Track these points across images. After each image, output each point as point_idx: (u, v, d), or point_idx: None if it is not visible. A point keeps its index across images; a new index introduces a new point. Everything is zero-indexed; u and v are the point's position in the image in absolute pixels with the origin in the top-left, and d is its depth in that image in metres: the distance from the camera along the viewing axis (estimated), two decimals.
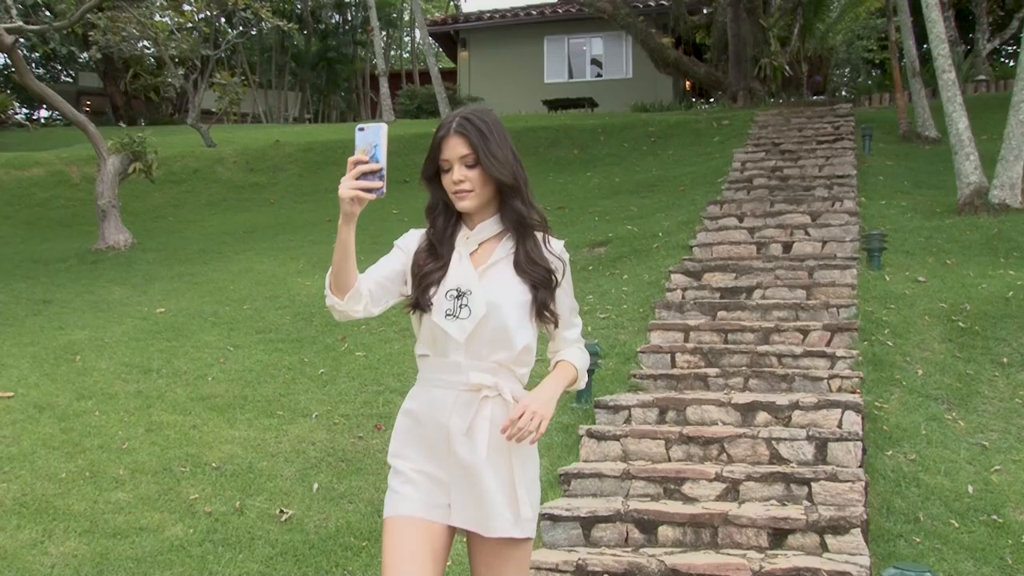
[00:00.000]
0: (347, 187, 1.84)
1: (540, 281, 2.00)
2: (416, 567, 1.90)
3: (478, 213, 2.03)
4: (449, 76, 22.31)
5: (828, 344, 5.59)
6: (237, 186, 14.68)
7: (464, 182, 1.96)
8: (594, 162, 13.24)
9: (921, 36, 12.73)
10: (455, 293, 1.97)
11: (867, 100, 16.27)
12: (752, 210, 8.52)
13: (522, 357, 2.01)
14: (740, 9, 15.90)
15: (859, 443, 4.27)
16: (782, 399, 4.69)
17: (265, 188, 14.48)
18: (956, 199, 8.55)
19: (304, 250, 9.46)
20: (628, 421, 4.82)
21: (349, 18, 31.02)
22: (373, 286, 2.00)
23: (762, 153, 11.27)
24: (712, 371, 5.27)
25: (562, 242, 2.09)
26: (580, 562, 3.62)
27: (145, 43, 16.09)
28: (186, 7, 16.17)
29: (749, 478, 4.11)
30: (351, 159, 1.85)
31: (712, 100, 18.09)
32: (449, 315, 1.97)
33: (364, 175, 1.84)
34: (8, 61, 20.29)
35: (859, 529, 3.68)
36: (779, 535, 3.76)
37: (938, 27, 9.08)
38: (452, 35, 22.09)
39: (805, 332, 5.68)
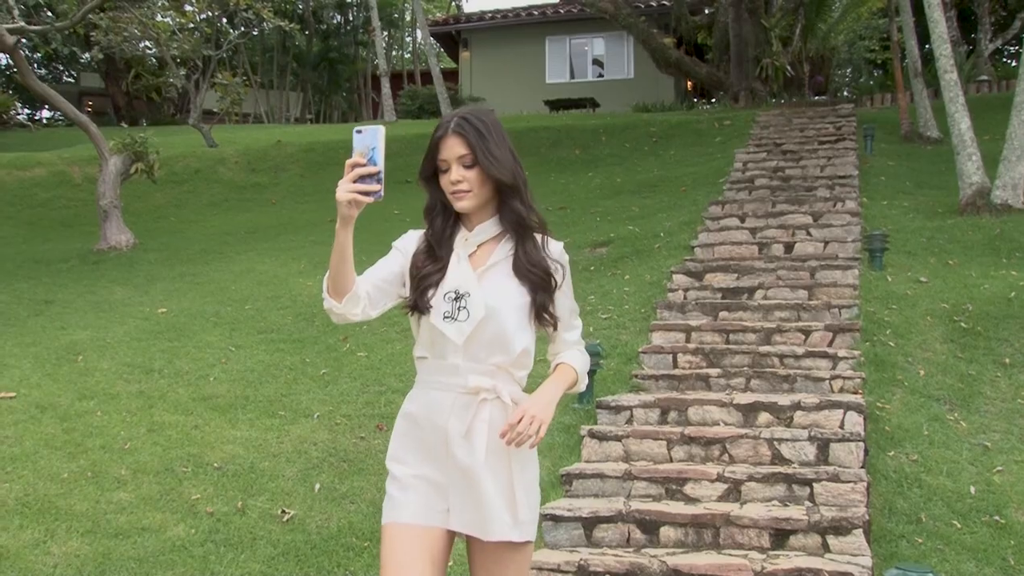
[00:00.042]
0: (344, 190, 1.82)
1: (539, 283, 1.99)
2: (415, 574, 1.89)
3: (477, 214, 2.01)
4: (451, 76, 22.31)
5: (830, 345, 5.59)
6: (239, 186, 14.69)
7: (462, 182, 1.95)
8: (596, 162, 13.24)
9: (923, 36, 12.72)
10: (453, 295, 1.96)
11: (869, 100, 16.26)
12: (754, 210, 8.52)
13: (520, 360, 2.00)
14: (742, 9, 15.89)
15: (861, 444, 4.27)
16: (784, 400, 4.69)
17: (267, 188, 14.49)
18: (958, 199, 8.54)
19: (306, 250, 9.47)
20: (630, 421, 4.82)
21: (351, 18, 31.04)
22: (371, 288, 1.99)
23: (764, 153, 11.26)
24: (714, 371, 5.27)
25: (561, 244, 2.08)
26: (582, 562, 3.62)
27: (147, 43, 16.10)
28: (188, 7, 16.19)
29: (751, 479, 4.10)
30: (349, 162, 1.84)
31: (714, 100, 18.08)
32: (447, 317, 1.95)
33: (362, 178, 1.83)
34: (10, 61, 20.31)
35: (861, 530, 3.68)
36: (781, 536, 3.76)
37: (940, 27, 9.07)
38: (454, 35, 22.09)
39: (807, 332, 5.68)
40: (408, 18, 32.15)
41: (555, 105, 19.27)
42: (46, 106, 27.73)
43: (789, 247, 7.52)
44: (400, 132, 14.67)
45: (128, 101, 26.20)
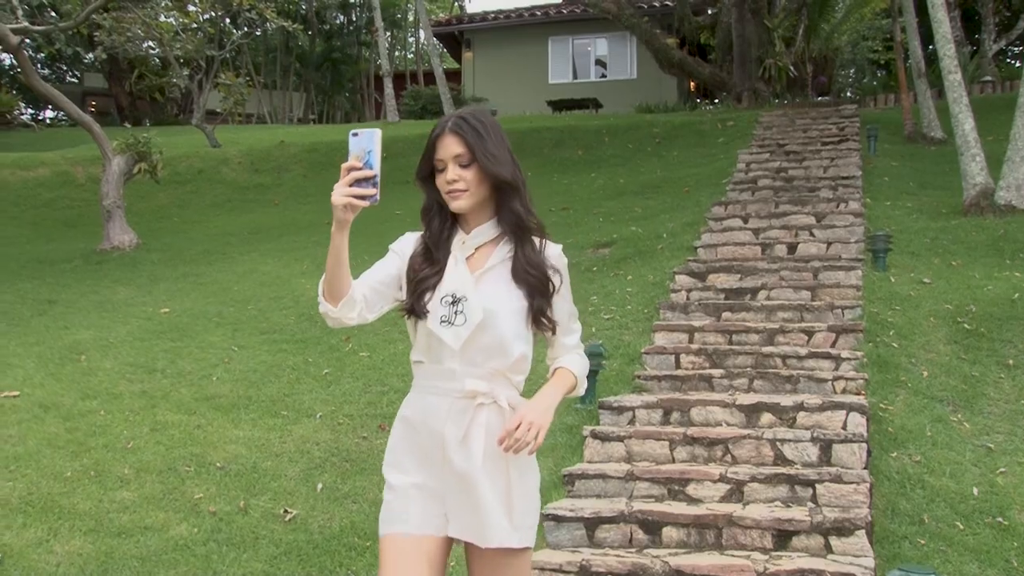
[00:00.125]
0: (340, 194, 1.80)
1: (537, 287, 1.96)
2: None
3: (474, 217, 1.99)
4: (453, 77, 22.31)
5: (833, 345, 5.58)
6: (242, 187, 14.71)
7: (458, 182, 1.92)
8: (598, 163, 13.23)
9: (927, 37, 12.72)
10: (450, 299, 1.93)
11: (872, 101, 16.24)
12: (757, 211, 8.51)
13: (518, 364, 1.97)
14: (745, 10, 15.87)
15: (864, 445, 4.26)
16: (787, 400, 4.68)
17: (270, 189, 14.51)
18: (962, 200, 8.53)
19: (308, 251, 9.48)
20: (632, 422, 4.82)
21: (353, 19, 31.08)
22: (368, 292, 1.97)
23: (767, 154, 11.25)
24: (716, 372, 5.27)
25: (559, 247, 2.05)
26: (584, 563, 3.61)
27: (150, 44, 16.11)
28: (191, 8, 16.21)
29: (753, 479, 4.10)
30: (344, 165, 1.81)
31: (717, 101, 18.05)
32: (444, 321, 1.93)
33: (358, 181, 1.81)
34: (14, 62, 20.35)
35: (864, 531, 3.67)
36: (783, 536, 3.75)
37: (944, 27, 9.06)
38: (456, 36, 22.09)
39: (810, 333, 5.67)
40: (411, 18, 32.18)
41: (558, 105, 19.27)
42: (50, 106, 27.80)
43: (792, 248, 7.51)
44: (403, 132, 14.68)
45: (131, 101, 26.26)
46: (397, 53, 33.83)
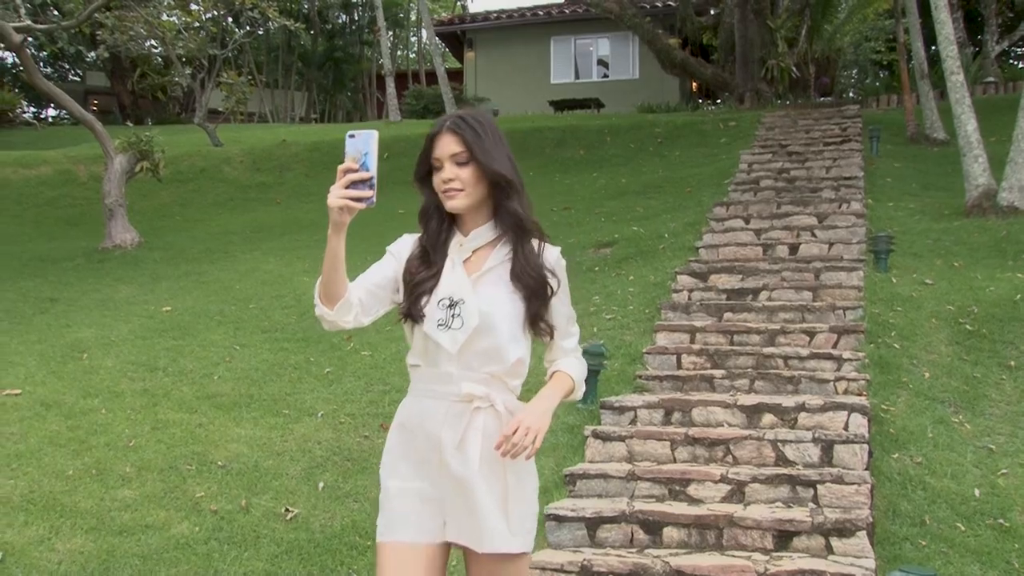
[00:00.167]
0: (336, 196, 1.79)
1: (535, 290, 1.95)
2: None
3: (471, 219, 1.97)
4: (455, 76, 22.31)
5: (834, 346, 5.58)
6: (243, 185, 14.72)
7: (454, 181, 1.91)
8: (600, 163, 13.23)
9: (929, 38, 12.68)
10: (447, 302, 1.92)
11: (875, 102, 16.22)
12: (758, 212, 8.50)
13: (515, 369, 1.96)
14: (747, 10, 15.86)
15: (865, 446, 4.26)
16: (788, 401, 4.68)
17: (271, 188, 14.52)
18: (964, 201, 8.52)
19: (310, 250, 9.48)
20: (634, 422, 4.82)
21: (356, 18, 31.08)
22: (364, 295, 1.95)
23: (769, 155, 11.25)
24: (718, 372, 5.27)
25: (558, 249, 2.03)
26: (585, 563, 3.62)
27: (152, 42, 16.13)
28: (193, 7, 16.22)
29: (755, 480, 4.10)
30: (341, 167, 1.80)
31: (719, 101, 18.04)
32: (441, 325, 1.92)
33: (354, 184, 1.79)
34: (16, 60, 20.37)
35: (865, 532, 3.67)
36: (784, 537, 3.75)
37: (947, 28, 9.05)
38: (459, 35, 22.09)
39: (811, 334, 5.67)
40: (413, 18, 32.18)
41: (560, 105, 19.26)
42: (52, 105, 27.82)
43: (794, 248, 7.51)
44: (405, 132, 14.69)
45: (134, 100, 26.27)
46: (399, 52, 33.84)
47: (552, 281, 1.97)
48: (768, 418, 4.63)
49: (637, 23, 17.06)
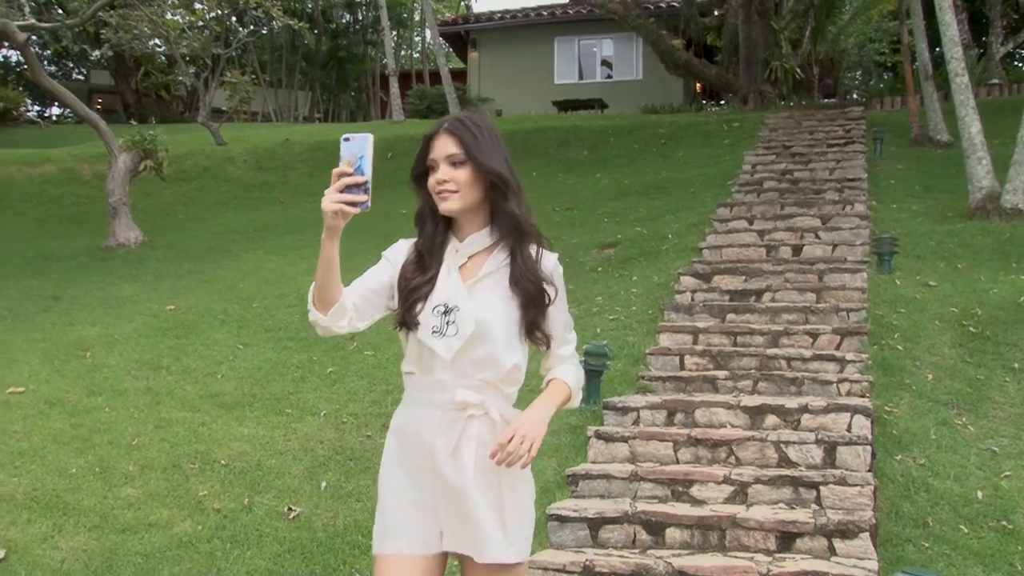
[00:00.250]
0: (330, 200, 1.77)
1: (533, 298, 1.92)
2: None
3: (467, 224, 1.95)
4: (459, 76, 22.32)
5: (838, 348, 5.57)
6: (247, 184, 14.73)
7: (448, 182, 1.89)
8: (604, 163, 13.23)
9: (934, 39, 12.67)
10: (442, 309, 1.90)
11: (879, 103, 16.20)
12: (762, 213, 8.50)
13: (510, 375, 1.93)
14: (751, 11, 15.85)
15: (868, 447, 4.26)
16: (791, 402, 4.68)
17: (275, 187, 14.53)
18: (968, 203, 8.51)
19: (313, 249, 9.45)
20: (636, 423, 4.82)
21: (360, 17, 31.10)
22: (358, 300, 1.92)
23: (772, 156, 11.24)
24: (721, 374, 5.26)
25: (555, 256, 1.99)
26: (587, 563, 3.62)
27: (156, 41, 16.14)
28: (197, 6, 16.22)
29: (757, 481, 4.10)
30: (335, 171, 1.78)
31: (722, 102, 18.02)
32: (436, 332, 1.89)
33: (349, 187, 1.77)
34: (21, 58, 20.41)
35: (868, 533, 3.67)
36: (787, 538, 3.75)
37: (951, 30, 9.04)
38: (463, 35, 22.10)
39: (814, 335, 5.67)
40: (417, 18, 32.19)
41: (563, 106, 19.26)
42: (56, 103, 27.86)
43: (797, 250, 7.50)
44: (408, 132, 14.69)
45: (137, 99, 26.31)
46: (403, 52, 33.87)
47: (550, 290, 1.94)
48: (771, 419, 4.62)
49: (641, 24, 17.05)
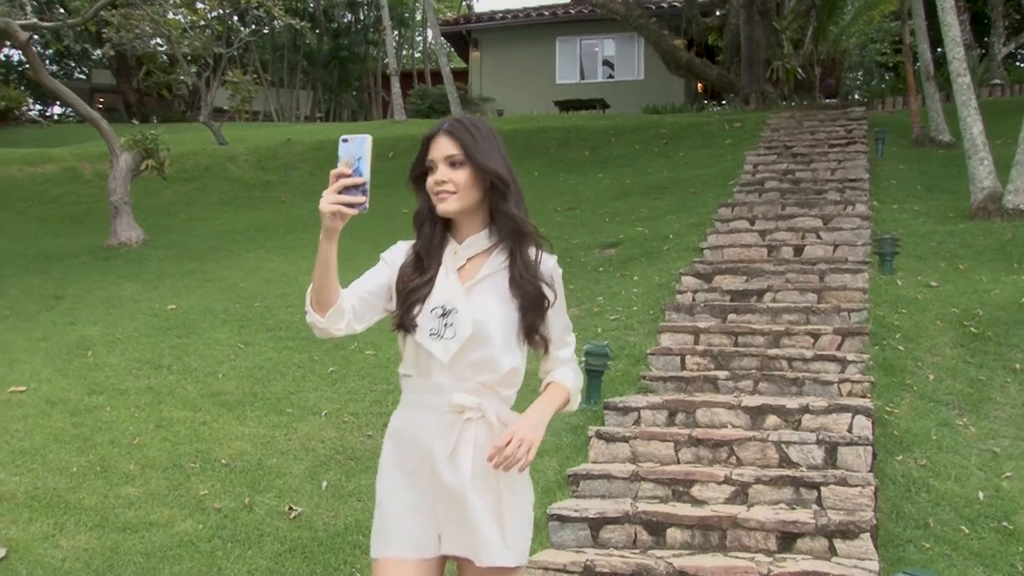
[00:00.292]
0: (328, 201, 1.76)
1: (532, 301, 1.91)
2: None
3: (466, 225, 1.94)
4: (461, 76, 22.33)
5: (839, 348, 5.57)
6: (248, 184, 14.74)
7: (447, 183, 1.88)
8: (605, 163, 13.23)
9: (936, 40, 12.67)
10: (440, 311, 1.89)
11: (880, 104, 16.19)
12: (763, 213, 8.50)
13: (508, 378, 1.93)
14: (753, 11, 15.84)
15: (869, 448, 4.26)
16: (792, 403, 4.68)
17: (276, 186, 14.54)
18: (969, 204, 8.50)
19: (314, 248, 9.41)
20: (637, 423, 4.82)
21: (361, 17, 31.11)
22: (356, 302, 1.92)
23: (774, 156, 11.23)
24: (722, 374, 5.26)
25: (554, 258, 1.98)
26: (588, 563, 3.62)
27: (158, 40, 16.14)
28: (199, 5, 16.23)
29: (758, 481, 4.10)
30: (333, 172, 1.77)
31: (724, 102, 18.01)
32: (433, 334, 1.89)
33: (347, 189, 1.76)
34: (23, 57, 20.43)
35: (868, 534, 3.67)
36: (788, 539, 3.75)
37: (953, 30, 9.03)
38: (464, 35, 22.10)
39: (816, 336, 5.66)
40: (419, 17, 32.20)
41: (565, 106, 19.26)
42: (58, 102, 27.88)
43: (798, 250, 7.50)
44: (410, 131, 14.70)
45: (139, 98, 26.33)
46: (404, 52, 33.87)
47: (549, 293, 1.93)
48: (772, 419, 4.62)
49: (643, 24, 17.05)
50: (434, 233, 1.95)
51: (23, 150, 16.51)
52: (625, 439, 4.55)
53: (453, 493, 1.86)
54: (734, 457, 4.39)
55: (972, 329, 5.78)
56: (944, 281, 6.63)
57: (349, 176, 1.77)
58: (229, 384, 5.77)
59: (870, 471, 4.18)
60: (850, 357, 5.30)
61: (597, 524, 3.94)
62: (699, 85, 19.60)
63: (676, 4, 19.28)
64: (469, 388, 1.90)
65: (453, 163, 1.89)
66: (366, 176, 1.77)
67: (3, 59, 27.58)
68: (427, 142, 1.93)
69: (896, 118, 13.71)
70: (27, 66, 15.48)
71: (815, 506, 3.98)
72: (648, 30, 17.06)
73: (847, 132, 12.12)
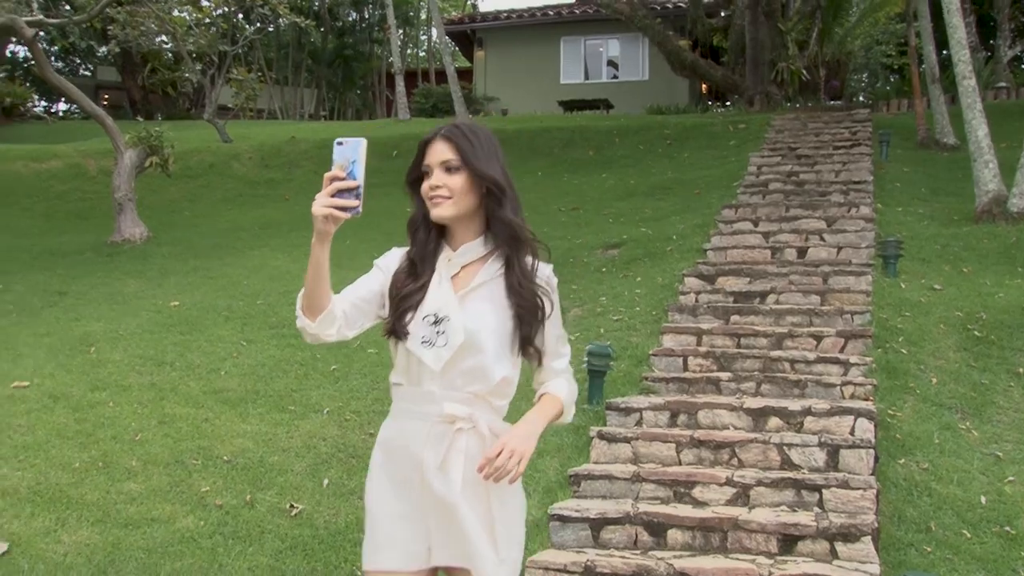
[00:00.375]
0: (321, 204, 1.74)
1: (528, 310, 1.89)
2: None
3: (461, 232, 1.92)
4: (465, 75, 22.32)
5: (842, 350, 5.56)
6: (252, 182, 14.76)
7: (441, 188, 1.86)
8: (609, 164, 13.22)
9: (941, 42, 12.62)
10: (432, 319, 1.86)
11: (885, 106, 16.16)
12: (767, 215, 8.49)
13: (500, 388, 1.90)
14: (758, 12, 15.82)
15: (871, 451, 4.25)
16: (794, 405, 4.67)
17: (280, 184, 14.55)
18: (974, 207, 8.49)
19: None
20: (639, 423, 4.81)
21: (366, 16, 31.11)
22: (348, 308, 1.89)
23: (778, 157, 11.22)
24: (724, 375, 5.26)
25: (550, 267, 1.96)
26: (588, 563, 3.61)
27: (163, 38, 16.18)
28: (204, 2, 16.26)
29: (760, 483, 4.09)
30: (327, 175, 1.76)
31: (728, 103, 18.00)
32: (425, 342, 1.86)
33: (340, 192, 1.75)
34: (28, 54, 20.48)
35: (870, 537, 3.66)
36: (789, 541, 3.74)
37: (959, 33, 9.01)
38: (469, 34, 22.10)
39: (819, 338, 5.66)
40: (423, 16, 32.20)
41: (569, 106, 19.25)
42: (63, 99, 27.95)
43: (802, 252, 7.49)
44: (414, 130, 14.70)
45: (144, 95, 26.36)
46: (409, 51, 33.87)
47: (546, 304, 1.92)
48: (774, 421, 4.62)
49: (647, 24, 17.03)
50: (428, 239, 1.93)
51: (28, 146, 16.55)
52: (627, 440, 4.55)
53: (444, 503, 1.84)
54: (736, 459, 4.39)
55: (976, 333, 5.76)
56: (948, 284, 6.62)
57: (343, 179, 1.76)
58: (231, 381, 5.78)
59: (872, 474, 4.18)
60: (853, 360, 5.29)
61: (598, 524, 3.94)
62: (703, 86, 19.59)
63: (681, 4, 19.26)
64: (460, 398, 1.88)
65: (449, 168, 1.87)
66: (360, 180, 1.76)
67: (9, 55, 27.64)
68: (424, 147, 1.91)
69: (901, 120, 13.69)
70: (33, 62, 15.52)
71: (816, 508, 3.98)
72: (653, 30, 17.05)
73: (851, 134, 12.10)
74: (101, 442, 4.91)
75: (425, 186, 1.90)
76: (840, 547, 3.67)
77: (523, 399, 2.02)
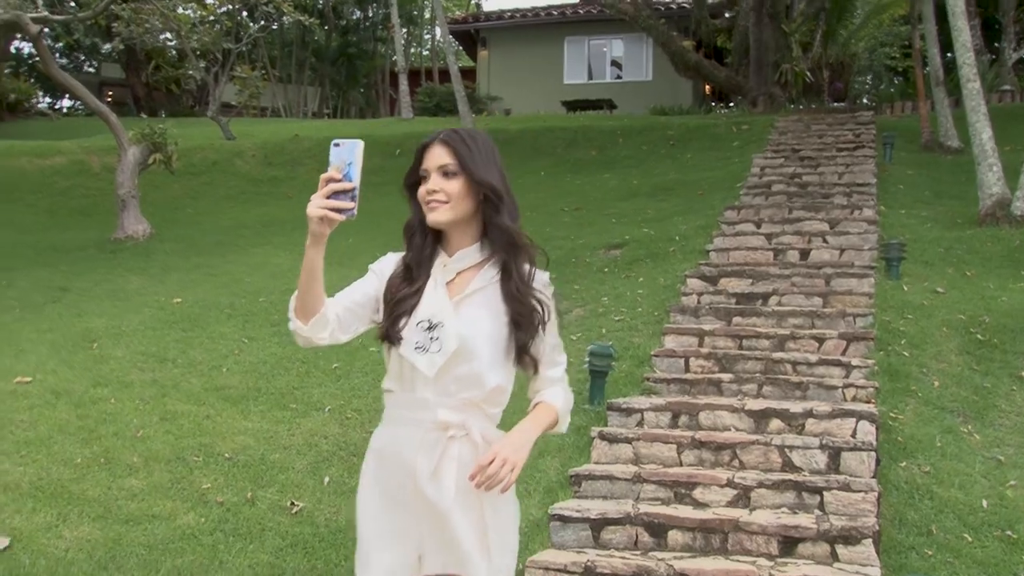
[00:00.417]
0: (316, 206, 1.74)
1: (525, 317, 1.87)
2: None
3: (457, 238, 1.91)
4: (469, 75, 22.30)
5: (844, 353, 5.56)
6: (255, 179, 14.77)
7: (438, 193, 1.85)
8: (612, 164, 13.21)
9: (946, 44, 12.60)
10: (426, 324, 1.85)
11: (889, 108, 16.13)
12: (770, 216, 8.48)
13: (493, 396, 1.89)
14: (763, 14, 15.81)
15: (873, 453, 4.24)
16: (796, 407, 4.67)
17: (283, 182, 14.56)
18: (978, 210, 8.47)
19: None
20: (640, 424, 4.81)
21: (370, 14, 31.13)
22: (342, 311, 1.89)
23: (781, 159, 11.20)
24: (726, 377, 5.25)
25: (547, 275, 1.94)
26: (589, 563, 3.61)
27: (167, 35, 16.21)
28: (208, 0, 16.28)
29: (761, 485, 4.09)
30: (323, 176, 1.76)
31: (732, 104, 17.99)
32: (419, 348, 1.85)
33: (336, 194, 1.75)
34: (33, 50, 20.50)
35: (871, 540, 3.66)
36: (789, 543, 3.74)
37: (964, 35, 9.00)
38: (472, 34, 22.10)
39: (821, 340, 5.65)
40: (427, 15, 32.21)
41: (572, 106, 19.25)
42: (67, 95, 28.00)
43: (805, 254, 7.48)
44: (417, 129, 14.71)
45: (148, 92, 26.39)
46: (413, 50, 33.88)
47: (543, 310, 1.90)
48: (775, 423, 4.61)
49: (651, 24, 17.02)
50: (424, 245, 1.92)
51: (32, 142, 16.56)
52: (628, 440, 4.55)
53: (436, 510, 1.83)
54: (737, 460, 4.39)
55: (978, 336, 5.76)
56: (951, 287, 6.61)
57: (339, 181, 1.76)
58: (233, 378, 5.79)
59: (873, 477, 4.17)
60: (855, 362, 5.28)
61: (598, 525, 3.94)
62: (707, 87, 19.58)
63: (685, 5, 19.25)
64: (454, 404, 1.86)
65: (446, 173, 1.86)
66: (356, 182, 1.76)
67: (14, 52, 27.68)
68: (422, 151, 1.91)
69: (905, 123, 13.67)
70: (37, 59, 15.55)
71: (817, 511, 3.97)
72: (657, 31, 17.03)
73: (855, 136, 12.08)
74: (103, 438, 4.92)
75: (422, 190, 1.89)
76: (841, 550, 3.67)
77: (517, 412, 1.99)
